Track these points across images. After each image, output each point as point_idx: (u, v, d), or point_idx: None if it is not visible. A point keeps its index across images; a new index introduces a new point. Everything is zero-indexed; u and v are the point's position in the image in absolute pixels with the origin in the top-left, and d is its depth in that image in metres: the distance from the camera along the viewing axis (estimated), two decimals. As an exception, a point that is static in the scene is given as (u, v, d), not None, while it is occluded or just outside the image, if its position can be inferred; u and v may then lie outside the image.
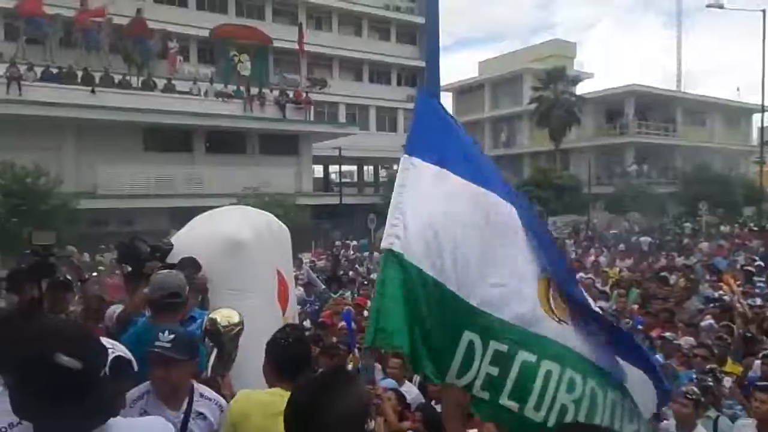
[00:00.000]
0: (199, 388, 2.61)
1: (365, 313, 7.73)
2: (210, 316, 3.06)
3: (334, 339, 6.40)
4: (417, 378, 5.59)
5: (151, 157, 21.35)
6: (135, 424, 1.57)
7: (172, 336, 2.46)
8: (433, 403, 4.70)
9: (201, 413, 2.53)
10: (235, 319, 3.09)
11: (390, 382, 5.07)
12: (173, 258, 4.30)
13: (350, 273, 12.57)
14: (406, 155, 2.44)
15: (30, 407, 1.37)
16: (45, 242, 3.43)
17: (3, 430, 1.58)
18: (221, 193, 18.88)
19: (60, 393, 1.34)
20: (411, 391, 4.98)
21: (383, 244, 2.28)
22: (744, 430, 4.10)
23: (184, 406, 2.48)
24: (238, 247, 4.41)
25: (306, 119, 26.85)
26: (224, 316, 3.06)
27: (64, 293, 4.36)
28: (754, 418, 4.04)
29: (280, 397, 2.19)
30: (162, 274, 3.23)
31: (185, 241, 4.56)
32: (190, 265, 4.04)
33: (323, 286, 10.46)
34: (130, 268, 4.02)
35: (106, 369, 1.46)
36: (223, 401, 2.60)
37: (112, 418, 1.49)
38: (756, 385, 4.27)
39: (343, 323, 7.24)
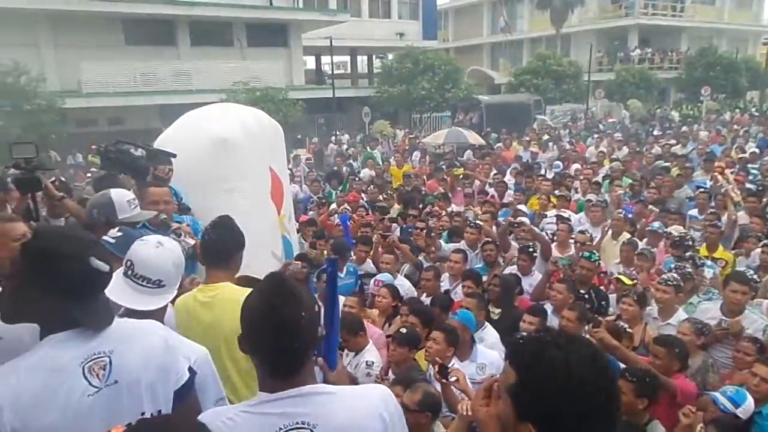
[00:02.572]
0: None
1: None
2: None
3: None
4: (404, 267, 5.80)
5: (134, 51, 20.31)
6: (133, 323, 1.73)
7: (119, 234, 2.55)
8: (424, 296, 4.90)
9: None
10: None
11: (386, 276, 5.25)
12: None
13: (344, 169, 12.53)
14: None
15: (54, 307, 1.54)
16: (26, 155, 3.34)
17: None
18: (210, 89, 18.29)
19: (85, 292, 1.57)
20: (404, 284, 5.17)
21: None
22: (707, 312, 4.29)
23: None
24: (228, 146, 4.35)
25: (294, 6, 25.38)
26: None
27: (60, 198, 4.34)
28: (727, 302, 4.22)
29: (198, 291, 2.53)
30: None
31: (173, 140, 4.48)
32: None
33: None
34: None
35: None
36: None
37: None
38: (728, 275, 4.43)
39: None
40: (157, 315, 2.01)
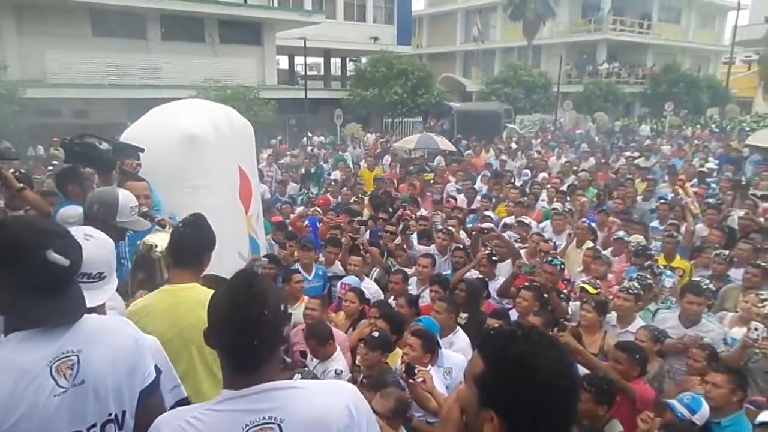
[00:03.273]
0: None
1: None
2: (147, 240, 2.91)
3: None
4: (374, 271, 5.80)
5: (101, 42, 19.79)
6: (102, 320, 1.69)
7: None
8: (392, 299, 4.91)
9: None
10: None
11: (352, 279, 5.24)
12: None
13: (312, 170, 12.51)
14: None
15: (13, 302, 1.48)
16: None
17: None
18: (180, 85, 17.97)
19: (46, 288, 1.49)
20: (370, 287, 5.16)
21: None
22: (665, 321, 4.41)
23: None
24: (196, 142, 4.28)
25: (269, 5, 25.18)
26: (162, 241, 2.94)
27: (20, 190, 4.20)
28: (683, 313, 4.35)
29: (165, 292, 2.44)
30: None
31: (140, 134, 4.40)
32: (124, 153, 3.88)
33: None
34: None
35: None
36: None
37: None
38: (684, 287, 4.58)
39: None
40: (100, 311, 1.92)
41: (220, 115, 4.73)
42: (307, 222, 7.32)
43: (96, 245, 1.91)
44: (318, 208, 7.92)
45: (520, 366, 1.14)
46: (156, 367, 1.69)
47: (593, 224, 7.06)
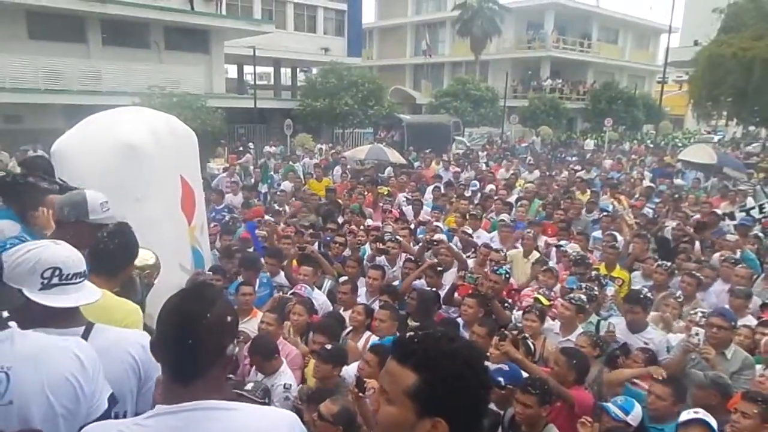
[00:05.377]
0: None
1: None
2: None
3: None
4: (327, 283, 5.72)
5: (38, 46, 18.87)
6: (44, 339, 1.58)
7: None
8: (342, 310, 4.86)
9: None
10: (151, 261, 2.98)
11: (305, 287, 5.14)
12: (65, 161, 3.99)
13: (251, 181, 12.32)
14: None
15: None
16: None
17: None
18: (122, 92, 17.37)
19: None
20: (318, 298, 5.09)
21: None
22: (614, 326, 4.51)
23: None
24: (135, 152, 4.13)
25: (217, 12, 24.78)
26: (140, 258, 2.83)
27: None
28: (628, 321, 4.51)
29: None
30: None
31: (75, 143, 4.21)
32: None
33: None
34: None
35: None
36: None
37: (19, 330, 1.52)
38: (625, 297, 4.74)
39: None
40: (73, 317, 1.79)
41: (161, 124, 4.59)
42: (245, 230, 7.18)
43: (68, 248, 1.81)
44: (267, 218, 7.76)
45: (455, 364, 1.16)
46: (112, 398, 1.57)
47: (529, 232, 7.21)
